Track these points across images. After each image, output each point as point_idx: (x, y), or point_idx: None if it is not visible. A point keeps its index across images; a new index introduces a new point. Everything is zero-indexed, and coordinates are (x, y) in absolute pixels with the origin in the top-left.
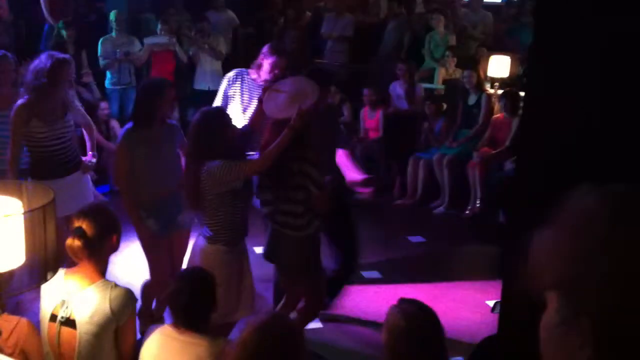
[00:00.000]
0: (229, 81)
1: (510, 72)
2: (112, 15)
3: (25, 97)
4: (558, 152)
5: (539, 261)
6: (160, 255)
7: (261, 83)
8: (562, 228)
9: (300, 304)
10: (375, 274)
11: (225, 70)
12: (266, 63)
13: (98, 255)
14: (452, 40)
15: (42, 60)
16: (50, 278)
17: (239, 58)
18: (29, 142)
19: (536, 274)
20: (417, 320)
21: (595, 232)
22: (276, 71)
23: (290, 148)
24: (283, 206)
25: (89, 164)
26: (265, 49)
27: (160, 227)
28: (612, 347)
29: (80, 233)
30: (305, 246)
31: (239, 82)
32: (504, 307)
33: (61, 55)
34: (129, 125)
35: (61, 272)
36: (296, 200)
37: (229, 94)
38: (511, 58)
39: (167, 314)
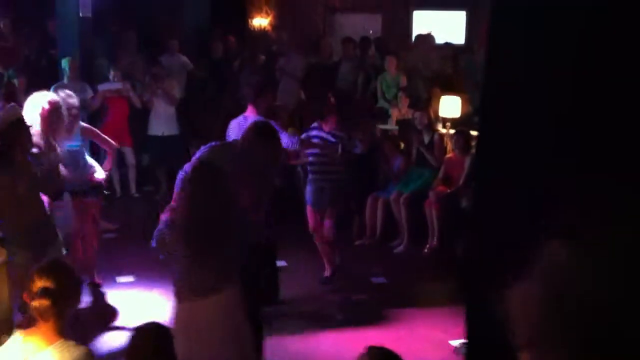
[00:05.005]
0: None
1: (462, 112)
2: (65, 63)
3: None
4: (511, 185)
5: (514, 317)
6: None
7: None
8: (534, 282)
9: None
10: (339, 317)
11: (180, 114)
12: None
13: (64, 313)
14: (404, 81)
15: None
16: (5, 341)
17: (193, 102)
18: None
19: (512, 330)
20: None
21: (564, 286)
22: None
23: None
24: None
25: None
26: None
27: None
28: None
29: (47, 293)
30: None
31: None
32: (470, 347)
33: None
34: None
35: (19, 334)
36: None
37: None
38: (461, 98)
39: None
